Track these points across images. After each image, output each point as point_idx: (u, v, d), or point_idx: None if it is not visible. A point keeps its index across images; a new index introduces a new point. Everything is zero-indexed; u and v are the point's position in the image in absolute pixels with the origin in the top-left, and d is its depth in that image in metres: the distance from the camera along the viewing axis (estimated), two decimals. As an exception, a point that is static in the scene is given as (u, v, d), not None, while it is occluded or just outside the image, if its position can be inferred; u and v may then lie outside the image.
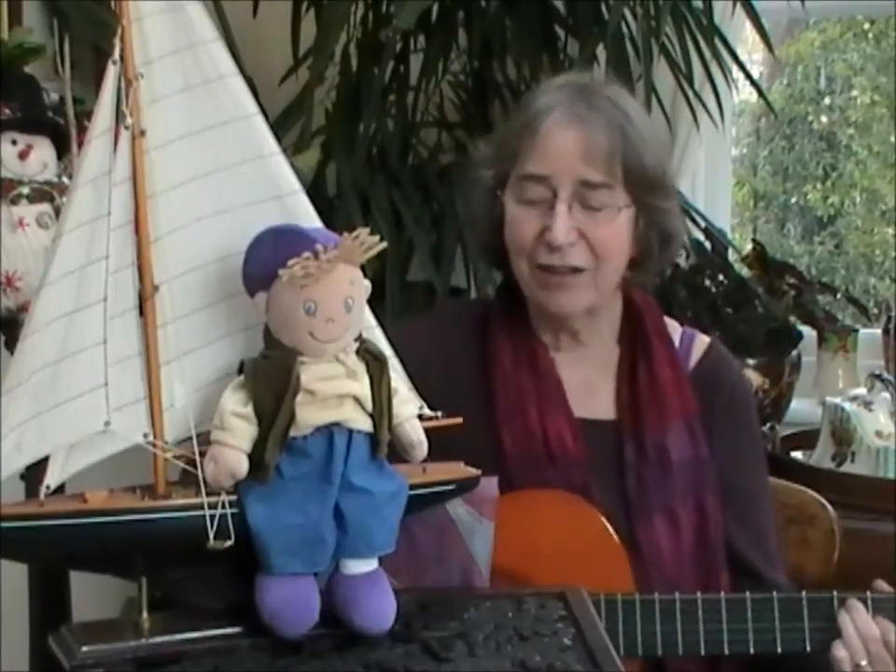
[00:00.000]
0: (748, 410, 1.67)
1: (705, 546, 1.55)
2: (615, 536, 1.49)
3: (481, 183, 1.60)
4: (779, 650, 1.45)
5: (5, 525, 1.13)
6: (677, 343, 1.64)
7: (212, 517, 1.15)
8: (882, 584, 1.49)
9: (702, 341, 1.67)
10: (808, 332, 2.71)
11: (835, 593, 1.46)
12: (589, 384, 1.61)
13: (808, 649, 1.45)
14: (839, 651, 1.43)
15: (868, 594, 1.46)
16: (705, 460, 1.57)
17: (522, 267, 1.55)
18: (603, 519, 1.50)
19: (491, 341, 1.61)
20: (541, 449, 1.55)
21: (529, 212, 1.53)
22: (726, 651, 1.45)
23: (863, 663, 1.43)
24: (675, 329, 1.66)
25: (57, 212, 1.81)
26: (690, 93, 2.50)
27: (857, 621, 1.43)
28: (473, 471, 1.30)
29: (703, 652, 1.45)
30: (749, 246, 2.91)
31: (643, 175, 1.53)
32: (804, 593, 1.47)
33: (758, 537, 1.60)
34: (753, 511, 1.61)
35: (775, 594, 1.46)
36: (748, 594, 1.46)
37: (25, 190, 1.83)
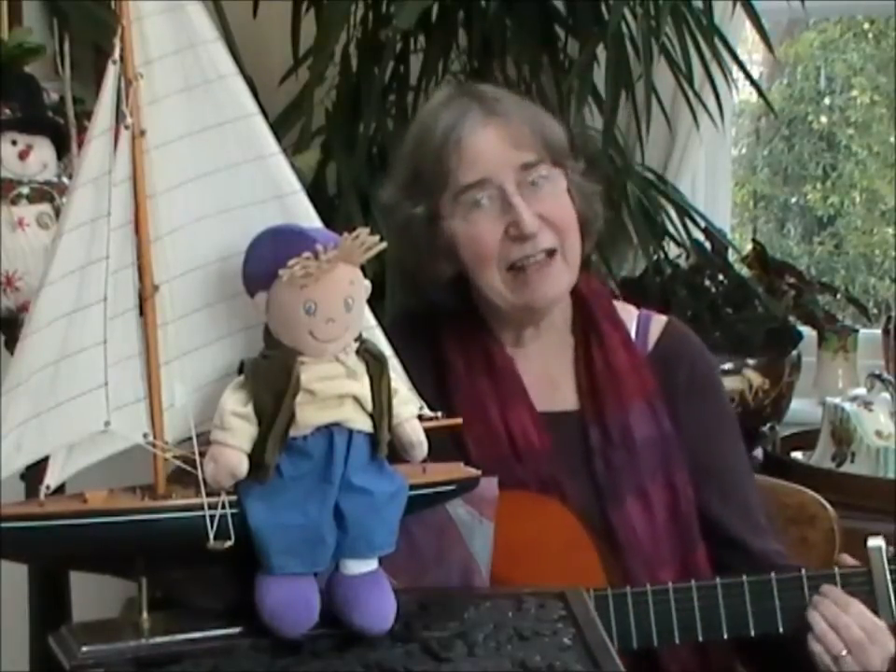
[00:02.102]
0: (711, 382, 1.67)
1: (678, 522, 1.56)
2: (584, 532, 1.49)
3: (413, 221, 1.57)
4: (752, 633, 1.45)
5: (5, 525, 1.13)
6: (634, 327, 1.65)
7: (212, 517, 1.15)
8: (847, 558, 1.50)
9: (658, 321, 1.67)
10: (808, 332, 2.71)
11: (804, 571, 1.46)
12: (549, 377, 1.62)
13: (781, 629, 1.45)
14: (814, 645, 1.43)
15: (836, 569, 1.46)
16: (669, 436, 1.58)
17: (492, 277, 1.54)
18: (571, 514, 1.50)
19: (442, 349, 1.61)
20: (507, 447, 1.55)
21: (482, 220, 1.53)
22: (700, 638, 1.45)
23: (843, 653, 1.42)
24: (630, 313, 1.67)
25: (57, 212, 1.81)
26: (690, 93, 2.50)
27: (826, 614, 1.43)
28: (473, 471, 1.30)
29: (678, 641, 1.45)
30: (749, 246, 2.90)
31: (559, 144, 1.57)
32: (773, 574, 1.46)
33: (739, 507, 1.60)
34: (731, 481, 1.61)
35: (744, 577, 1.45)
36: (717, 579, 1.46)
37: (25, 190, 1.83)
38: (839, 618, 1.43)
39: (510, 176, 1.52)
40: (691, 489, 1.57)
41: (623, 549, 1.52)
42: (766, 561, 1.53)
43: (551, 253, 1.54)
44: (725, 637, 1.46)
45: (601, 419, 1.58)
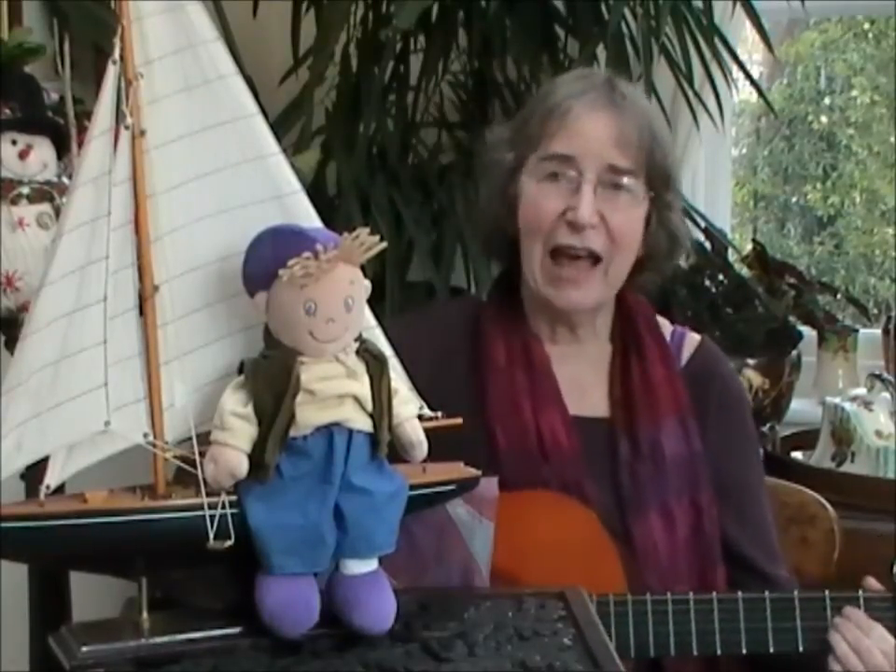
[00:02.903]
0: (740, 404, 1.67)
1: (700, 541, 1.55)
2: (608, 536, 1.49)
3: (499, 165, 1.59)
4: (771, 649, 1.44)
5: (5, 525, 1.13)
6: (668, 341, 1.65)
7: (212, 517, 1.15)
8: (873, 582, 1.49)
9: (692, 338, 1.67)
10: (808, 332, 2.71)
11: (827, 592, 1.46)
12: (581, 381, 1.62)
13: (801, 649, 1.44)
14: (835, 665, 1.43)
15: (860, 592, 1.46)
16: (698, 456, 1.57)
17: (535, 252, 1.55)
18: (595, 518, 1.50)
19: (484, 338, 1.61)
20: (535, 446, 1.55)
21: (551, 191, 1.54)
22: (718, 652, 1.45)
23: None
24: (666, 327, 1.67)
25: (57, 212, 1.81)
26: (690, 93, 2.50)
27: (847, 636, 1.43)
28: (473, 471, 1.30)
29: (695, 653, 1.45)
30: (749, 246, 2.90)
31: (665, 171, 1.57)
32: (795, 592, 1.46)
33: (757, 532, 1.60)
34: (750, 505, 1.61)
35: (767, 593, 1.45)
36: (739, 593, 1.46)
37: (25, 190, 1.82)
38: (861, 641, 1.42)
39: (594, 167, 1.52)
40: (715, 510, 1.57)
41: (640, 560, 1.52)
42: (777, 584, 1.53)
43: (596, 261, 1.53)
44: (744, 651, 1.45)
45: (632, 431, 1.57)
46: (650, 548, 1.53)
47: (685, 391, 1.60)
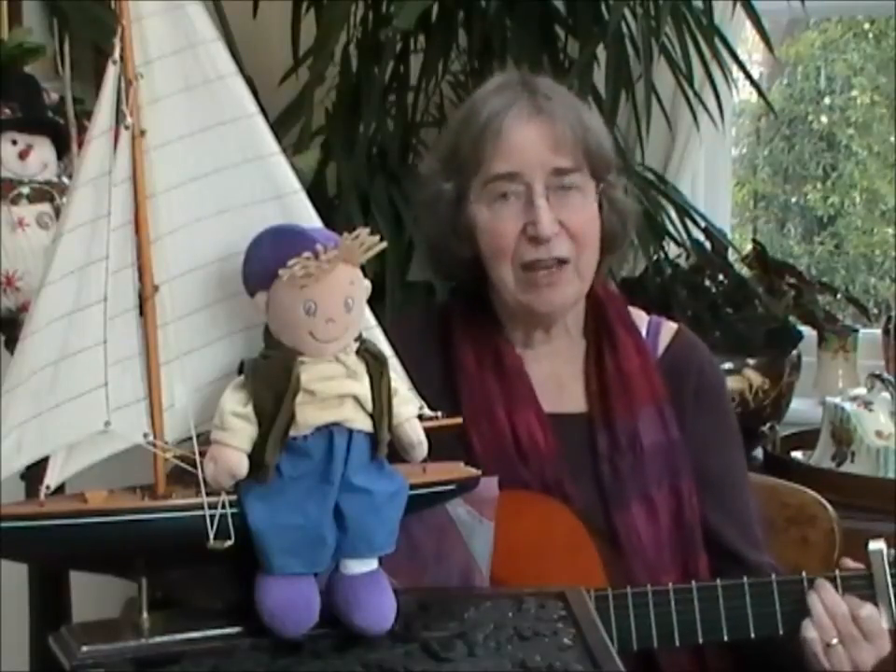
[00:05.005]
0: (718, 392, 1.67)
1: (681, 529, 1.56)
2: (586, 533, 1.49)
3: (441, 197, 1.58)
4: (752, 634, 1.45)
5: (5, 525, 1.13)
6: (644, 332, 1.65)
7: (212, 517, 1.15)
8: (849, 562, 1.49)
9: (669, 328, 1.67)
10: (808, 332, 2.71)
11: (804, 574, 1.46)
12: (557, 378, 1.62)
13: (781, 632, 1.45)
14: (809, 631, 1.43)
15: (837, 571, 1.46)
16: (677, 444, 1.58)
17: (504, 272, 1.54)
18: (572, 515, 1.50)
19: (453, 344, 1.61)
20: (512, 447, 1.55)
21: (505, 213, 1.53)
22: (700, 640, 1.45)
23: (834, 641, 1.42)
24: (641, 318, 1.67)
25: (57, 212, 1.81)
26: (690, 93, 2.50)
27: (825, 599, 1.43)
28: (473, 471, 1.30)
29: (678, 643, 1.45)
30: (749, 246, 2.90)
31: (602, 156, 1.57)
32: (773, 576, 1.46)
33: (739, 520, 1.60)
34: (730, 493, 1.61)
35: (745, 579, 1.46)
36: (718, 581, 1.46)
37: (25, 190, 1.83)
38: (838, 605, 1.43)
39: (540, 177, 1.52)
40: (695, 498, 1.57)
41: (626, 553, 1.52)
42: (760, 572, 1.53)
43: (563, 262, 1.53)
44: (725, 639, 1.45)
45: (610, 424, 1.57)
46: (633, 539, 1.53)
47: (661, 380, 1.60)
